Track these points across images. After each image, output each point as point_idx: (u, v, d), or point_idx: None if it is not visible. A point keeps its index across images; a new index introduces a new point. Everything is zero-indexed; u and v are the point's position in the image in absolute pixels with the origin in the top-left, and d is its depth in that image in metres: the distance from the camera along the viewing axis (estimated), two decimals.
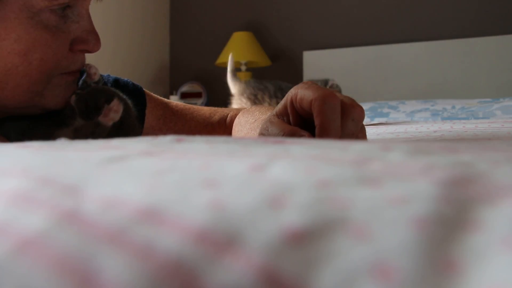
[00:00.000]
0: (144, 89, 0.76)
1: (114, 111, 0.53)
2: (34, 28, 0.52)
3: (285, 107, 0.48)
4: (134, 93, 0.72)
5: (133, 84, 0.75)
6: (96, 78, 0.60)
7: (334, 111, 0.43)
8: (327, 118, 0.42)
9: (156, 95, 0.78)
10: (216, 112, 0.80)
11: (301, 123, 0.47)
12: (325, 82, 1.54)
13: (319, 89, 0.44)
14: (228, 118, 0.79)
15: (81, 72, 0.69)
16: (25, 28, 0.52)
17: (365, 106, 2.09)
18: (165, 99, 0.80)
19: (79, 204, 0.16)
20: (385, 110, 2.14)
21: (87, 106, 0.55)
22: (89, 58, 0.64)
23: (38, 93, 0.55)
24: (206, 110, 0.80)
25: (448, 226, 0.13)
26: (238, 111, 0.79)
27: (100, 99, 0.55)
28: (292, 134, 0.45)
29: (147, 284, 0.13)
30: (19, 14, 0.51)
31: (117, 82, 0.72)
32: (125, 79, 0.75)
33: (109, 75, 0.73)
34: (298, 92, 0.46)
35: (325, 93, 0.43)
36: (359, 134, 0.46)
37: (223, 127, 0.78)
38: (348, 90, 2.65)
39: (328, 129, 0.42)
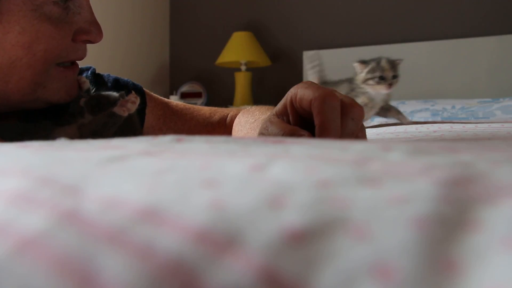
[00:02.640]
0: (144, 88, 0.77)
1: (132, 102, 0.54)
2: (37, 20, 0.53)
3: (284, 106, 0.48)
4: (134, 92, 0.73)
5: (133, 83, 0.75)
6: (85, 86, 0.61)
7: (334, 110, 0.43)
8: (327, 117, 0.42)
9: (156, 95, 0.79)
10: (216, 112, 0.80)
11: (301, 123, 0.47)
12: (378, 60, 1.46)
13: (319, 89, 0.44)
14: (228, 118, 0.79)
15: (81, 69, 0.69)
16: (29, 21, 0.52)
17: None
18: (165, 99, 0.80)
19: (79, 204, 0.16)
20: None
21: (98, 102, 0.55)
22: (90, 58, 0.64)
23: (41, 85, 0.55)
24: (206, 110, 0.80)
25: (448, 226, 0.13)
26: (238, 111, 0.79)
27: (111, 96, 0.55)
28: (291, 134, 0.45)
29: (147, 284, 0.13)
30: (22, 6, 0.52)
31: (117, 82, 0.73)
32: (125, 79, 0.75)
33: (109, 74, 0.74)
34: (298, 92, 0.46)
35: (325, 93, 0.43)
36: (359, 133, 0.46)
37: (223, 127, 0.79)
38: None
39: (328, 128, 0.42)
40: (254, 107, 0.76)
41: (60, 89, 0.57)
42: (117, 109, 0.54)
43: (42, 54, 0.54)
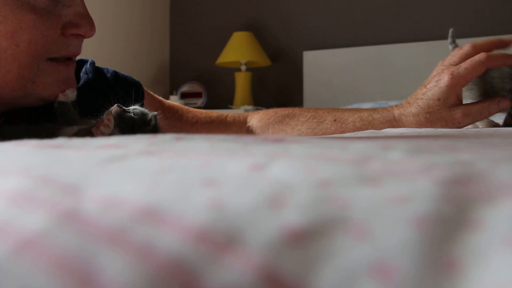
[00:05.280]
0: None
1: (104, 126, 0.52)
2: (20, 9, 0.51)
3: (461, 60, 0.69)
4: (132, 86, 0.74)
5: (131, 78, 0.76)
6: (72, 97, 0.58)
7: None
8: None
9: (151, 93, 0.83)
10: (212, 111, 0.87)
11: None
12: None
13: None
14: (229, 117, 0.85)
15: (79, 64, 0.69)
16: (10, 9, 0.51)
17: (365, 106, 2.09)
18: (160, 97, 0.85)
19: (79, 204, 0.16)
20: None
21: (131, 121, 0.54)
22: (89, 58, 0.64)
23: (30, 80, 0.54)
24: (201, 110, 0.88)
25: (448, 225, 0.13)
26: (245, 115, 0.87)
27: (145, 114, 0.54)
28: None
29: (147, 284, 0.13)
30: None
31: (116, 75, 0.73)
32: (124, 73, 0.76)
33: (107, 68, 0.74)
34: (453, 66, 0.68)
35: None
36: None
37: (223, 123, 0.84)
38: (348, 90, 2.65)
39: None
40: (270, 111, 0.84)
41: (51, 83, 0.56)
42: (94, 130, 0.52)
43: (26, 46, 0.52)
